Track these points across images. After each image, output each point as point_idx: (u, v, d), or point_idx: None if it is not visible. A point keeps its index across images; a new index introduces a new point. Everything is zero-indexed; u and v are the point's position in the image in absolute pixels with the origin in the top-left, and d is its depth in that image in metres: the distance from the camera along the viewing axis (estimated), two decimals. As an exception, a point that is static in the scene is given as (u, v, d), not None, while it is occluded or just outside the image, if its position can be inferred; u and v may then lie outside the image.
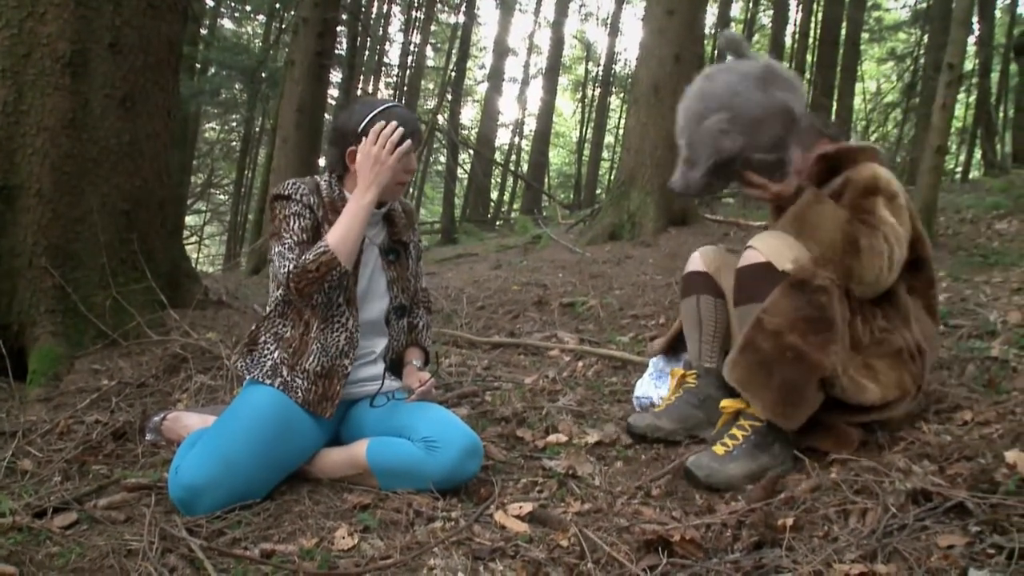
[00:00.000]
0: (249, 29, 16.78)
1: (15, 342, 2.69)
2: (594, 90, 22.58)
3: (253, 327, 2.02)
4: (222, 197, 23.91)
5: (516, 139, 22.92)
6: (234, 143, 18.74)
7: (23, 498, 1.72)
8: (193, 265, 5.48)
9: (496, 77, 20.42)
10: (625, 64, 22.50)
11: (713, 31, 14.76)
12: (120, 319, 2.77)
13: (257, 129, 17.85)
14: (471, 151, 17.65)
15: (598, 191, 23.09)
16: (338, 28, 8.83)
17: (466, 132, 24.15)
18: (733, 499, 1.75)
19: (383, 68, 21.46)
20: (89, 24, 2.76)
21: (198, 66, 13.13)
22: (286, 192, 1.95)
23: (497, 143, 22.31)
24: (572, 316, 3.53)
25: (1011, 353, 2.46)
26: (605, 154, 23.31)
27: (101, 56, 2.79)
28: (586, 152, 21.70)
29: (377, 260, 2.09)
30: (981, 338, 2.68)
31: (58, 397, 2.43)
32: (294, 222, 1.91)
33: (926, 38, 13.35)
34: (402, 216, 2.17)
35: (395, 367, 2.15)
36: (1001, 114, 13.79)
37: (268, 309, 2.01)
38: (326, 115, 9.71)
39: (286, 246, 1.88)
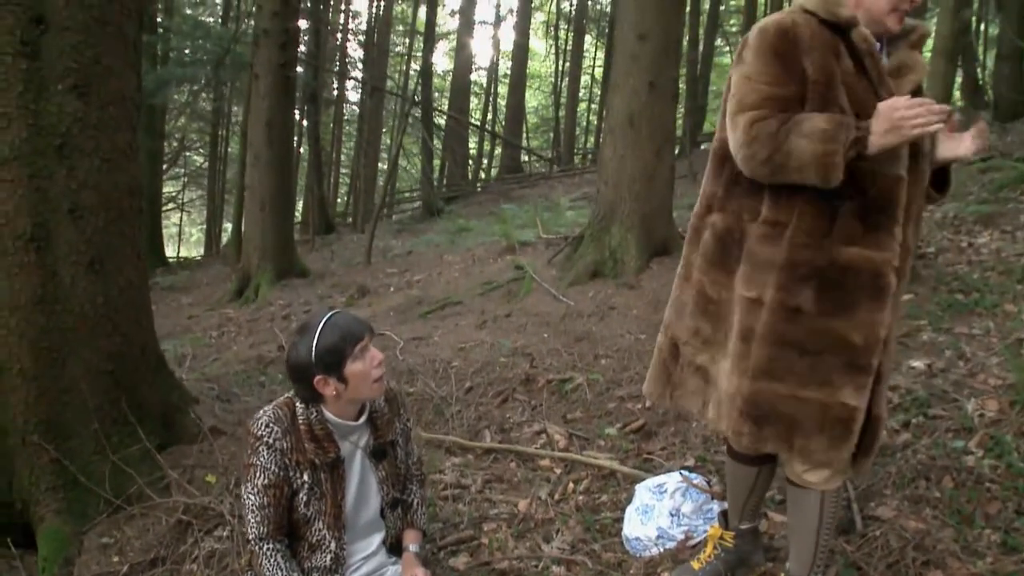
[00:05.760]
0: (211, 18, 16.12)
1: (19, 519, 2.74)
2: (568, 30, 21.90)
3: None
4: (198, 159, 23.58)
5: (492, 86, 22.36)
6: (204, 104, 18.21)
7: None
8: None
9: (467, 16, 19.72)
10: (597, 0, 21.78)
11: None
12: (121, 482, 2.81)
13: (227, 91, 17.39)
14: (445, 116, 17.25)
15: (576, 131, 22.74)
16: None
17: (439, 79, 23.58)
18: None
19: (349, 19, 20.81)
20: (45, 195, 2.70)
21: (159, 53, 12.71)
22: (259, 432, 1.99)
23: (472, 88, 21.78)
24: (560, 398, 3.60)
25: (986, 465, 2.55)
26: (582, 93, 22.86)
27: (63, 224, 2.74)
28: (563, 96, 21.21)
29: (364, 463, 2.15)
30: (959, 434, 2.76)
31: (72, 589, 2.51)
32: (260, 477, 1.97)
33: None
34: (385, 413, 2.20)
35: (394, 548, 2.24)
36: (982, 33, 13.55)
37: None
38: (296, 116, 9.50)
39: (251, 503, 1.98)
